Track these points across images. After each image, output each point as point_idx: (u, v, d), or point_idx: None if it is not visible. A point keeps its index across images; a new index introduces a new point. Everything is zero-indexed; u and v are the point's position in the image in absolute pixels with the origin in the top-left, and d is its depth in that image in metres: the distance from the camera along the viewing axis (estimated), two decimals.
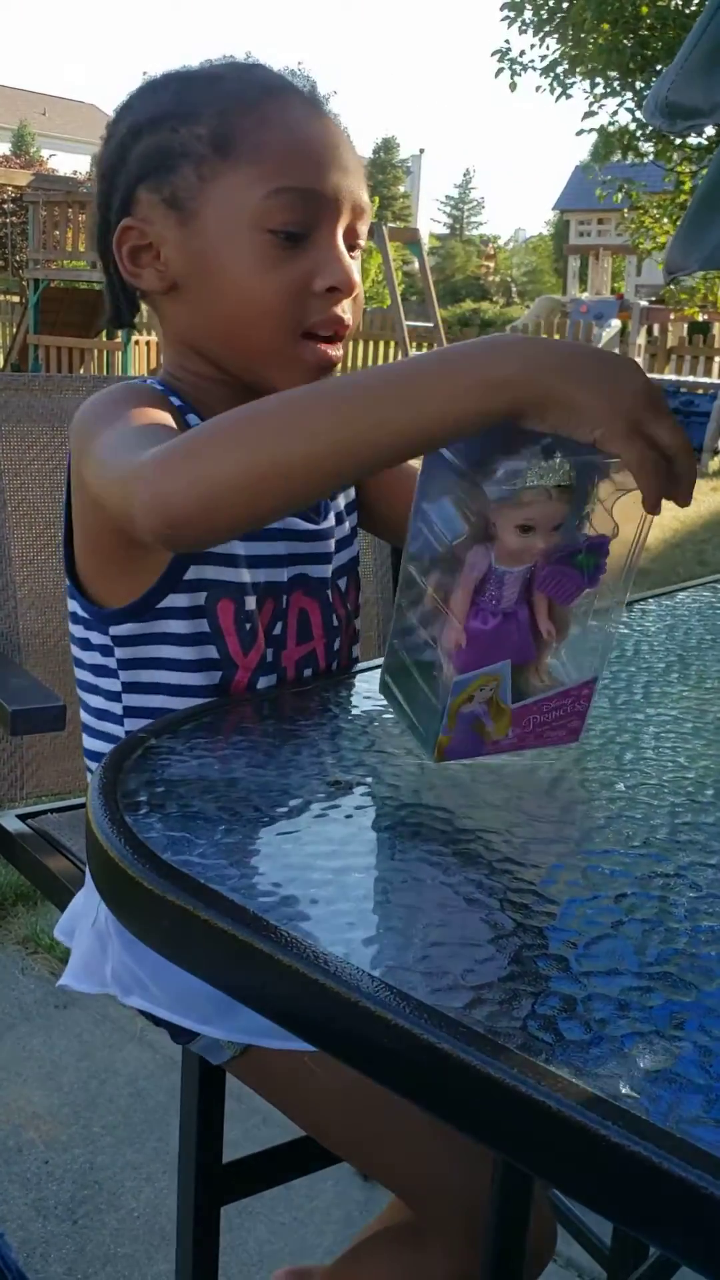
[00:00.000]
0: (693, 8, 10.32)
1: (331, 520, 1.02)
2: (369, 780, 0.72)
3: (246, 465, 0.70)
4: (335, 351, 0.95)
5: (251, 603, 0.95)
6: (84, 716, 1.01)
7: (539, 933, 0.55)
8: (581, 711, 0.77)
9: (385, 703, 0.80)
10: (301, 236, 0.91)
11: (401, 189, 46.76)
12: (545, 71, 11.49)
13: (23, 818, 1.39)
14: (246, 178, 0.90)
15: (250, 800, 0.67)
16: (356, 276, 0.94)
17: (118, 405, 0.87)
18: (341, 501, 1.05)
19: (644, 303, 14.01)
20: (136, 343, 12.60)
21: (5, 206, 25.35)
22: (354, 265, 0.94)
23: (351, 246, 0.95)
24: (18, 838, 1.34)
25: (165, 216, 0.94)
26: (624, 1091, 0.44)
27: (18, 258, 23.31)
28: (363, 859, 0.62)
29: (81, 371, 12.35)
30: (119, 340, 12.03)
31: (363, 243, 0.97)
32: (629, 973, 0.52)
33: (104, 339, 12.81)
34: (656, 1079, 0.45)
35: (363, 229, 0.96)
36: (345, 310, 0.94)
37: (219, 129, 0.90)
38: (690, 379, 11.34)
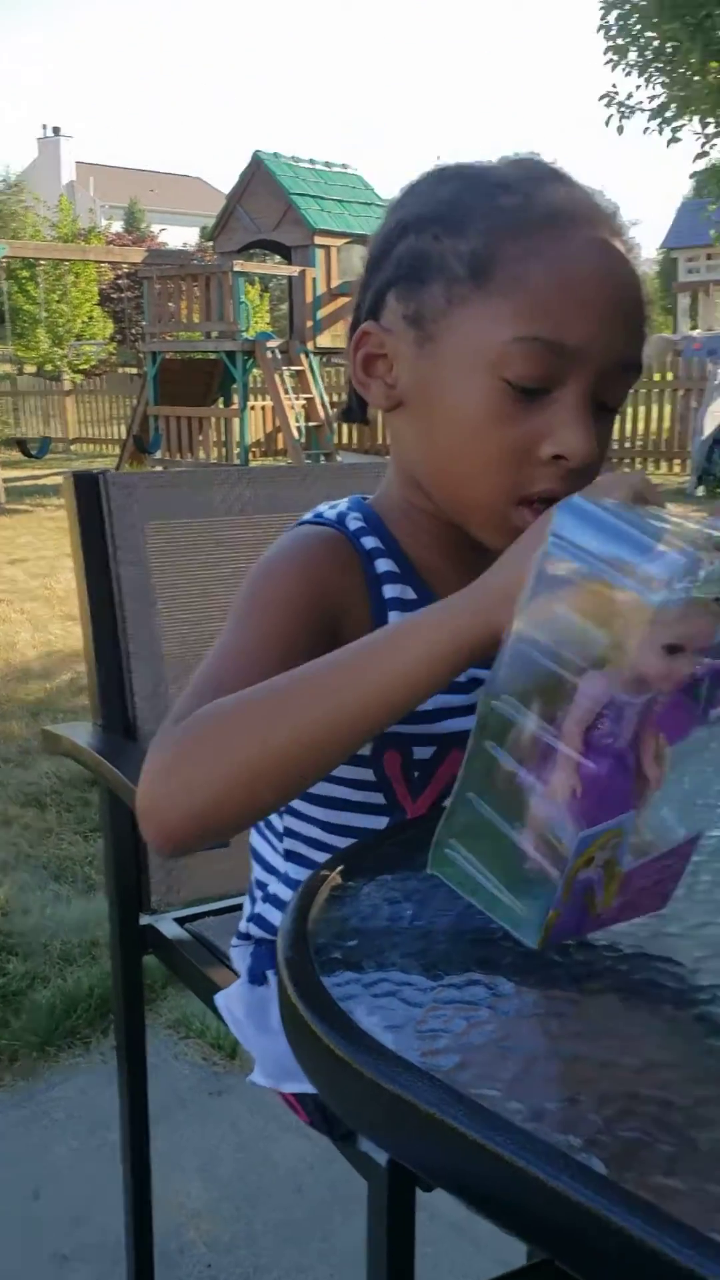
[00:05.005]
0: None
1: None
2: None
3: (236, 768, 0.69)
4: None
5: (425, 752, 0.90)
6: None
7: None
8: (679, 873, 0.65)
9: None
10: (542, 392, 0.81)
11: None
12: (654, 114, 11.37)
13: (180, 921, 1.36)
14: (495, 314, 0.80)
15: (453, 956, 0.62)
16: (594, 449, 0.82)
17: (255, 603, 0.84)
18: None
19: None
20: (253, 408, 12.84)
21: (120, 283, 26.26)
22: (599, 433, 0.83)
23: (606, 408, 0.84)
24: (177, 944, 1.31)
25: (405, 331, 0.86)
26: None
27: (133, 331, 24.11)
28: (598, 1037, 0.55)
29: (200, 439, 12.63)
30: (235, 407, 12.28)
31: (618, 406, 0.86)
32: None
33: (221, 406, 13.08)
34: None
35: (624, 386, 0.85)
36: (571, 483, 0.81)
37: (481, 250, 0.80)
38: None
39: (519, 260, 0.79)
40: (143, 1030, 1.42)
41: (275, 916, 1.04)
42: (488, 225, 0.81)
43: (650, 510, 0.59)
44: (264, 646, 0.81)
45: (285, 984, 0.58)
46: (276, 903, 1.03)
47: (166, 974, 2.34)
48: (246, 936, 1.08)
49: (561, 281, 0.79)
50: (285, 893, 1.02)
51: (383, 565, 0.90)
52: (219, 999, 1.11)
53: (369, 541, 0.90)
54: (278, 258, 14.39)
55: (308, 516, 0.94)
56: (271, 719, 0.69)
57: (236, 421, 12.15)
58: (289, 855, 1.00)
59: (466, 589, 0.69)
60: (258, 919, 1.06)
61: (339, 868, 0.71)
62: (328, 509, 0.94)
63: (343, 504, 0.94)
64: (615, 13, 11.19)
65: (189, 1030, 2.21)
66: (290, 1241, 1.70)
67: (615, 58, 11.29)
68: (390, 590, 0.89)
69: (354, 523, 0.91)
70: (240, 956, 1.08)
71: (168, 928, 1.34)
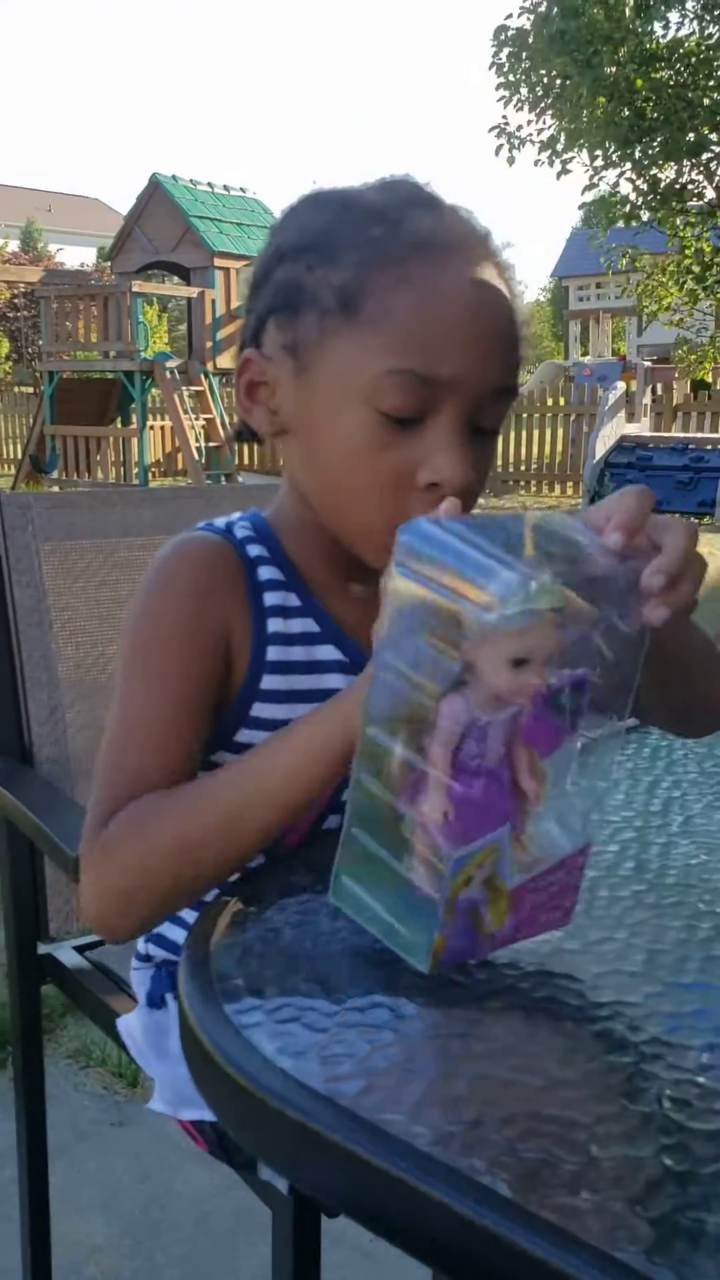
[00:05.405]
0: (684, 78, 10.51)
1: None
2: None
3: (167, 882, 0.76)
4: None
5: None
6: None
7: (714, 1138, 0.49)
8: (575, 885, 0.65)
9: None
10: (415, 421, 0.81)
11: None
12: (544, 147, 11.65)
13: (80, 950, 1.33)
14: (365, 346, 0.80)
15: (356, 978, 0.61)
16: (470, 473, 0.81)
17: (143, 652, 0.85)
18: None
19: (647, 363, 14.11)
20: (152, 428, 12.75)
21: (17, 301, 25.88)
22: (477, 456, 0.83)
23: (482, 430, 0.84)
24: (76, 973, 1.28)
25: (284, 360, 0.86)
26: None
27: (30, 350, 23.78)
28: (501, 1057, 0.55)
29: (99, 458, 12.49)
30: (134, 427, 12.18)
31: (496, 426, 0.85)
32: None
33: (119, 425, 12.96)
34: None
35: (501, 411, 0.85)
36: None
37: (350, 282, 0.80)
38: (699, 435, 11.40)
39: (387, 292, 0.79)
40: (41, 1063, 1.39)
41: (176, 934, 1.03)
42: (357, 257, 0.80)
43: (544, 520, 0.60)
44: (160, 707, 0.83)
45: (186, 1012, 0.57)
46: (176, 920, 1.02)
47: (66, 1002, 2.30)
48: (147, 958, 1.07)
49: (430, 313, 0.79)
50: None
51: (265, 573, 0.90)
52: (121, 1024, 1.09)
53: (254, 549, 0.91)
54: (176, 279, 14.34)
55: (199, 525, 0.93)
56: (187, 832, 0.76)
57: (135, 441, 12.07)
58: None
59: (327, 705, 0.74)
60: (158, 938, 1.05)
61: (240, 891, 0.70)
62: (220, 519, 0.94)
63: (236, 514, 0.95)
64: (507, 50, 11.46)
65: (89, 1059, 2.17)
66: (194, 1274, 1.67)
67: (507, 94, 11.54)
68: (271, 598, 0.89)
69: (242, 531, 0.92)
70: (140, 980, 1.07)
71: (67, 956, 1.32)
